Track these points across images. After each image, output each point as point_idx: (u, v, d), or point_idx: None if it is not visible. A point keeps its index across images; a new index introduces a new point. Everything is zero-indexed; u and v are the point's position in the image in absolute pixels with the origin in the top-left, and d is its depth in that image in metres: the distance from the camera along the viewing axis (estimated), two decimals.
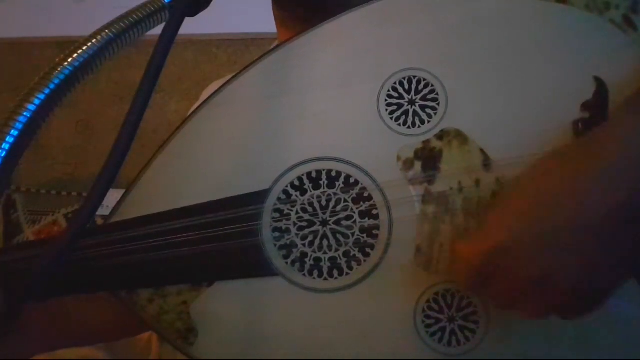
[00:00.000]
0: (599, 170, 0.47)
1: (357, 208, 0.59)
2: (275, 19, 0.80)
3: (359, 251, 0.59)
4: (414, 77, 0.58)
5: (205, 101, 0.62)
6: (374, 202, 0.58)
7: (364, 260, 0.58)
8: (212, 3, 0.54)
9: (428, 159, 0.58)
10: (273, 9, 0.79)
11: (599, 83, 0.55)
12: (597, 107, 0.55)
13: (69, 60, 0.44)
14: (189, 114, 0.63)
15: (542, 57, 0.57)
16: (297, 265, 0.59)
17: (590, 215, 0.46)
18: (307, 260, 0.59)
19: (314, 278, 0.59)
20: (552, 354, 0.56)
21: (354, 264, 0.59)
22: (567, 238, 0.47)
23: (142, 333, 1.18)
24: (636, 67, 0.55)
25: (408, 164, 0.58)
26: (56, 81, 0.43)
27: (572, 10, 0.56)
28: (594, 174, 0.47)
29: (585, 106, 0.55)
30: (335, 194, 0.59)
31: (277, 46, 0.62)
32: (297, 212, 0.59)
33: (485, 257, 0.50)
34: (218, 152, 0.61)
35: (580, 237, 0.47)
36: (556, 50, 0.57)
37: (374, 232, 0.58)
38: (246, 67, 0.62)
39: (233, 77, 0.62)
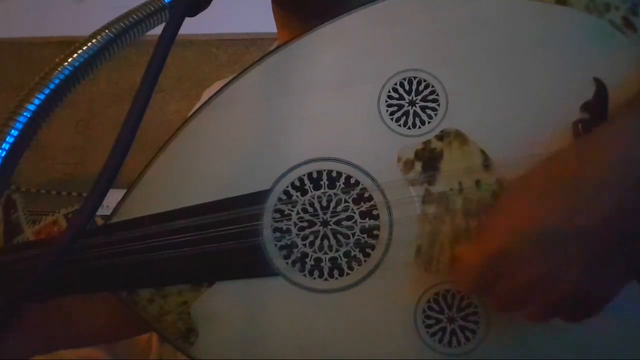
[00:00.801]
0: (599, 174, 0.47)
1: (357, 208, 0.59)
2: (276, 20, 0.80)
3: (359, 251, 0.59)
4: (415, 78, 0.59)
5: (205, 102, 0.62)
6: (374, 202, 0.58)
7: (365, 261, 0.58)
8: (212, 3, 0.54)
9: (428, 159, 0.58)
10: (273, 10, 0.79)
11: (599, 84, 0.55)
12: (596, 107, 0.55)
13: (69, 60, 0.44)
14: (190, 114, 0.63)
15: (542, 58, 0.57)
16: (298, 265, 0.59)
17: (590, 218, 0.46)
18: (307, 260, 0.59)
19: (315, 278, 0.59)
20: (552, 354, 0.56)
21: (354, 264, 0.59)
22: (567, 241, 0.47)
23: (143, 334, 1.18)
24: (636, 68, 0.55)
25: (408, 165, 0.58)
26: (56, 81, 0.43)
27: (572, 12, 0.57)
28: (593, 177, 0.47)
29: (585, 107, 0.55)
30: (335, 194, 0.59)
31: (278, 47, 0.62)
32: (297, 213, 0.59)
33: (487, 261, 0.50)
34: (219, 153, 0.61)
35: (581, 241, 0.47)
36: (556, 51, 0.57)
37: (375, 232, 0.58)
38: (247, 68, 0.62)
39: (234, 78, 0.62)
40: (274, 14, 0.80)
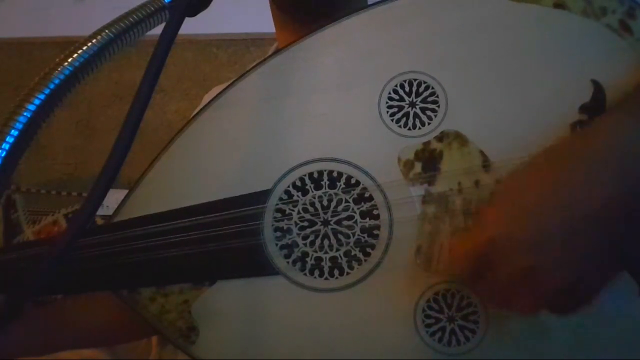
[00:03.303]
0: (589, 166, 0.48)
1: (358, 208, 0.59)
2: (274, 21, 0.80)
3: (359, 251, 0.59)
4: (415, 79, 0.59)
5: (208, 103, 0.62)
6: (374, 202, 0.59)
7: (365, 260, 0.59)
8: (212, 3, 0.54)
9: (428, 160, 0.58)
10: (272, 12, 0.79)
11: (597, 86, 0.56)
12: (594, 109, 0.55)
13: (69, 60, 0.44)
14: (191, 117, 0.63)
15: (541, 60, 0.57)
16: (298, 264, 0.59)
17: (580, 210, 0.47)
18: (308, 259, 0.59)
19: (315, 277, 0.59)
20: (551, 354, 0.56)
21: (354, 263, 0.59)
22: (557, 233, 0.47)
23: (141, 338, 1.18)
24: (632, 70, 0.55)
25: (408, 165, 0.58)
26: (56, 81, 0.43)
27: (570, 16, 0.57)
28: (584, 169, 0.48)
29: (583, 109, 0.56)
30: (336, 194, 0.59)
31: (280, 49, 0.62)
32: (298, 212, 0.59)
33: (480, 250, 0.50)
34: (221, 153, 0.61)
35: (571, 233, 0.47)
36: (554, 54, 0.57)
37: (375, 232, 0.59)
38: (249, 70, 0.62)
39: (236, 80, 0.62)
40: (273, 16, 0.80)
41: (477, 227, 0.53)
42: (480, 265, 0.50)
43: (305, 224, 0.59)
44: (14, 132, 0.41)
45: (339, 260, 0.59)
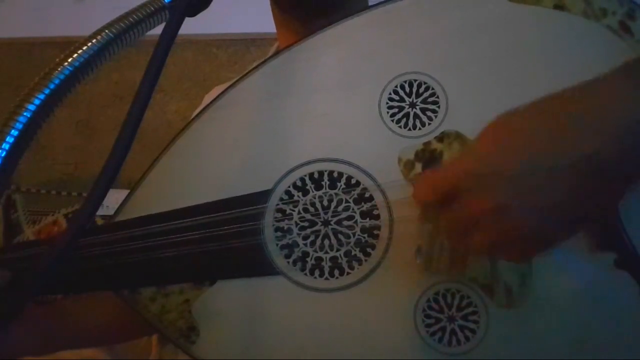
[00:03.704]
0: (587, 119, 0.47)
1: (358, 208, 0.59)
2: (275, 20, 0.81)
3: (360, 251, 0.59)
4: (415, 80, 0.59)
5: (209, 103, 0.62)
6: (375, 202, 0.59)
7: (365, 260, 0.59)
8: (212, 3, 0.54)
9: (429, 160, 0.58)
10: (272, 11, 0.79)
11: None
12: None
13: (69, 60, 0.44)
14: (192, 117, 0.63)
15: (541, 61, 0.58)
16: (299, 264, 0.59)
17: (560, 159, 0.46)
18: (308, 259, 0.59)
19: (315, 277, 0.59)
20: (551, 354, 0.56)
21: (355, 263, 0.59)
22: (533, 176, 0.47)
23: (141, 337, 1.18)
24: None
25: (409, 165, 0.58)
26: (56, 81, 0.43)
27: (570, 17, 0.57)
28: (581, 121, 0.47)
29: None
30: (336, 194, 0.59)
31: (281, 50, 0.62)
32: (299, 212, 0.59)
33: (454, 179, 0.49)
34: (221, 153, 0.61)
35: (546, 179, 0.46)
36: (554, 55, 0.58)
37: (375, 232, 0.59)
38: (250, 70, 0.62)
39: (237, 80, 0.62)
40: (273, 14, 0.80)
41: (457, 158, 0.53)
42: (449, 192, 0.49)
43: (306, 224, 0.59)
44: (14, 132, 0.41)
45: (340, 260, 0.59)
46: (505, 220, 0.47)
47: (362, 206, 0.59)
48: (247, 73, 0.62)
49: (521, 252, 0.50)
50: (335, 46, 0.61)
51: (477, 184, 0.48)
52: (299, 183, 0.60)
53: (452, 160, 0.55)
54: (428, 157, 0.58)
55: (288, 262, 0.59)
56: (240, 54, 1.64)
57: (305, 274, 0.59)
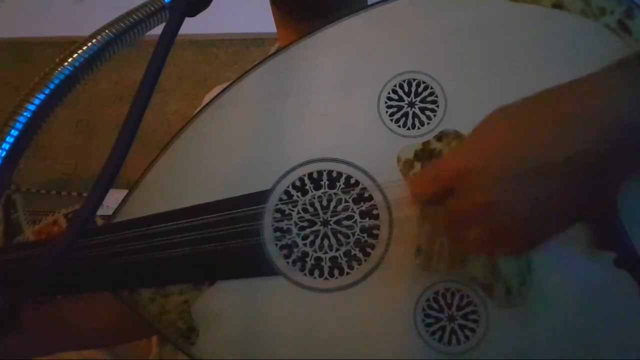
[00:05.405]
0: (579, 115, 0.47)
1: (357, 208, 0.59)
2: (275, 19, 0.81)
3: (359, 251, 0.59)
4: (414, 79, 0.59)
5: (208, 103, 0.62)
6: (374, 202, 0.59)
7: (365, 260, 0.59)
8: (212, 3, 0.54)
9: (428, 159, 0.58)
10: (272, 11, 0.80)
11: None
12: None
13: (69, 60, 0.44)
14: (192, 115, 0.63)
15: (540, 60, 0.57)
16: (298, 264, 0.59)
17: (553, 155, 0.46)
18: (308, 259, 0.59)
19: (315, 277, 0.59)
20: (551, 353, 0.56)
21: (354, 263, 0.59)
22: (529, 173, 0.47)
23: (141, 339, 1.18)
24: None
25: (408, 165, 0.58)
26: (56, 81, 0.43)
27: (569, 16, 0.57)
28: (575, 116, 0.47)
29: None
30: (336, 194, 0.59)
31: (280, 49, 0.62)
32: (298, 212, 0.59)
33: (452, 173, 0.50)
34: (221, 153, 0.61)
35: (539, 174, 0.47)
36: (553, 54, 0.57)
37: (375, 231, 0.59)
38: (249, 70, 0.62)
39: (236, 79, 0.62)
40: (273, 15, 0.80)
41: (456, 153, 0.54)
42: (443, 190, 0.50)
43: (305, 224, 0.59)
44: (14, 132, 0.41)
45: (339, 260, 0.59)
46: (499, 215, 0.48)
47: (362, 206, 0.59)
48: (245, 73, 0.62)
49: (516, 245, 0.51)
50: (334, 45, 0.61)
51: (472, 180, 0.48)
52: (298, 183, 0.60)
53: (447, 156, 0.55)
54: (427, 156, 0.58)
55: (287, 262, 0.59)
56: (240, 54, 1.64)
57: (305, 274, 0.59)
